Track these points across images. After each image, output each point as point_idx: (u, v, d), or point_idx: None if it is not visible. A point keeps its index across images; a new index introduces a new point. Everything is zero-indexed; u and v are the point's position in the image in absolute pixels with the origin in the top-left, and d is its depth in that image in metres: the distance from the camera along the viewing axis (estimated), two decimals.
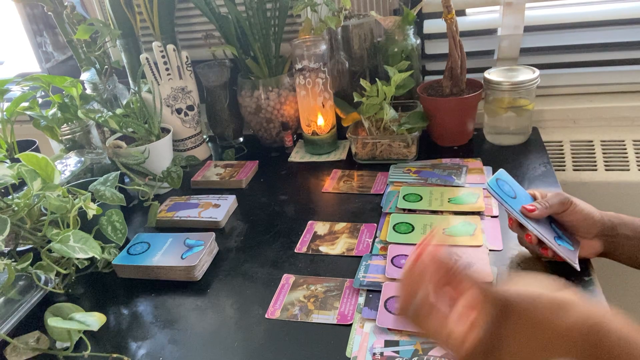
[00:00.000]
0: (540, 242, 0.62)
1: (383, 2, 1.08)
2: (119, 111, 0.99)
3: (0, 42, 1.56)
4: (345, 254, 0.74)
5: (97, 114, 0.98)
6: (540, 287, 0.43)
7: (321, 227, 0.82)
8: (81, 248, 0.66)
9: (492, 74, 0.95)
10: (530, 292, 0.42)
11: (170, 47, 1.03)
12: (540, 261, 0.66)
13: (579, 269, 0.61)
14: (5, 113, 0.92)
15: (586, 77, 1.06)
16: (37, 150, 0.98)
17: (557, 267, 0.64)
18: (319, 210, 0.88)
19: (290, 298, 0.67)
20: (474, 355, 0.42)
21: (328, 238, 0.79)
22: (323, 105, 1.01)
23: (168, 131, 1.02)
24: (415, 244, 0.72)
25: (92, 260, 0.76)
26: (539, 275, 0.46)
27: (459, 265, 0.45)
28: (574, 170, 0.99)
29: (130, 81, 1.17)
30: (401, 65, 0.97)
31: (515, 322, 0.41)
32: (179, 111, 1.07)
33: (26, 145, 0.98)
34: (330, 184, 0.95)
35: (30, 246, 0.76)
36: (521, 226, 0.64)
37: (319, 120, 1.03)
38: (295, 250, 0.77)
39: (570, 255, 0.61)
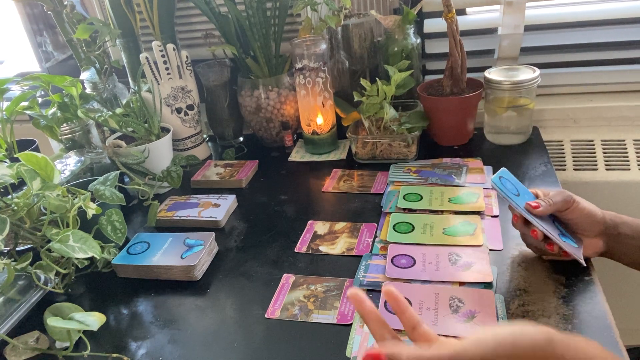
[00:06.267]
0: (545, 238, 0.62)
1: (383, 1, 1.08)
2: (118, 110, 0.99)
3: (0, 41, 1.56)
4: (345, 254, 0.74)
5: (97, 113, 0.98)
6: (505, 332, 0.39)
7: (321, 227, 0.82)
8: (81, 248, 0.66)
9: (492, 74, 0.95)
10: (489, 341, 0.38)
11: (170, 46, 1.03)
12: (542, 260, 0.66)
13: (584, 264, 0.61)
14: (5, 112, 0.92)
15: (587, 77, 1.06)
16: (36, 149, 0.98)
17: (558, 266, 0.64)
18: (319, 209, 0.87)
19: (290, 298, 0.67)
20: None
21: (328, 238, 0.79)
22: (323, 105, 1.01)
23: (168, 131, 1.02)
24: (415, 244, 0.73)
25: (91, 260, 0.76)
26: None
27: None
28: (575, 169, 0.99)
29: (130, 80, 1.17)
30: (401, 65, 0.97)
31: None
32: (178, 111, 1.07)
33: (26, 144, 0.98)
34: (330, 183, 0.94)
35: (30, 246, 0.76)
36: (525, 223, 0.64)
37: (319, 119, 1.02)
38: (295, 250, 0.77)
39: (575, 251, 0.61)
